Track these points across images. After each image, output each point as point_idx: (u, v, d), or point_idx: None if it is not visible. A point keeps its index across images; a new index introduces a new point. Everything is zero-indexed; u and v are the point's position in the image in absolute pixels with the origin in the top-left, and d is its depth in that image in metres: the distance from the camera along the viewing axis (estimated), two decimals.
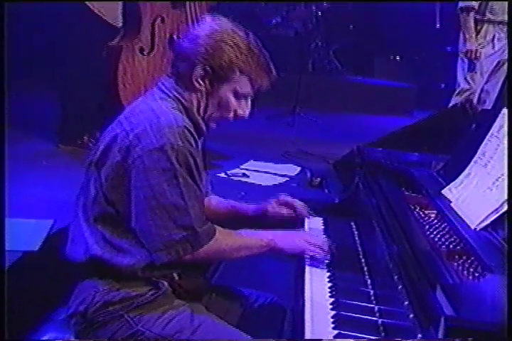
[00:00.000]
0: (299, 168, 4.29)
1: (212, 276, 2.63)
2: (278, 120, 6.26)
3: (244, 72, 1.75)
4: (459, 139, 2.49)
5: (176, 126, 1.67)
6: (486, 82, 5.23)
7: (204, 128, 1.82)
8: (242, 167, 4.19)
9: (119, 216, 1.73)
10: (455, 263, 1.56)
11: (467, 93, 5.25)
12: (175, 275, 1.80)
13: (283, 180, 3.97)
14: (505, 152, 1.81)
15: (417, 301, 1.43)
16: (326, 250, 1.95)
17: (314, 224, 2.32)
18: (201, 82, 1.75)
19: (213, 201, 2.13)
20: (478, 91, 5.26)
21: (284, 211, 2.17)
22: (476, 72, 5.16)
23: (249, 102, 1.83)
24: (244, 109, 1.82)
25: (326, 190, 3.48)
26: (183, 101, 1.77)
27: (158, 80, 1.84)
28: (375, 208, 2.12)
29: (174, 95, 1.78)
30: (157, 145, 1.64)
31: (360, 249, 2.10)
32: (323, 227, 2.36)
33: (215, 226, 1.79)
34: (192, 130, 1.73)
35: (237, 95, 1.78)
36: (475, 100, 5.13)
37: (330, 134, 5.93)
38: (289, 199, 2.20)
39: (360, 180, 2.47)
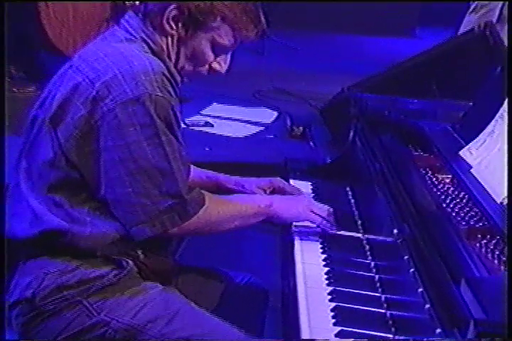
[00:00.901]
0: (275, 113, 4.31)
1: (175, 253, 2.72)
2: (241, 46, 6.24)
3: (227, 20, 1.84)
4: (478, 81, 2.58)
5: (153, 73, 1.75)
6: None
7: (178, 78, 1.90)
8: (203, 113, 4.21)
9: (83, 182, 1.80)
10: (477, 244, 1.67)
11: (484, 10, 5.26)
12: (139, 253, 1.89)
13: (256, 129, 4.00)
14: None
15: (434, 288, 1.52)
16: (332, 222, 2.08)
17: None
18: (173, 25, 1.84)
19: None
20: (500, 6, 5.29)
21: None
22: None
23: (229, 56, 1.94)
24: (222, 63, 1.93)
25: (311, 143, 3.55)
26: (151, 44, 1.86)
27: (121, 17, 1.91)
28: (376, 170, 2.23)
29: (142, 37, 1.86)
30: (132, 96, 1.72)
31: (359, 223, 2.22)
32: (312, 194, 2.46)
33: (204, 191, 1.89)
34: (170, 77, 1.81)
35: (215, 46, 1.88)
36: (494, 19, 5.15)
37: (311, 64, 5.90)
38: (286, 187, 2.33)
39: (357, 135, 2.56)
